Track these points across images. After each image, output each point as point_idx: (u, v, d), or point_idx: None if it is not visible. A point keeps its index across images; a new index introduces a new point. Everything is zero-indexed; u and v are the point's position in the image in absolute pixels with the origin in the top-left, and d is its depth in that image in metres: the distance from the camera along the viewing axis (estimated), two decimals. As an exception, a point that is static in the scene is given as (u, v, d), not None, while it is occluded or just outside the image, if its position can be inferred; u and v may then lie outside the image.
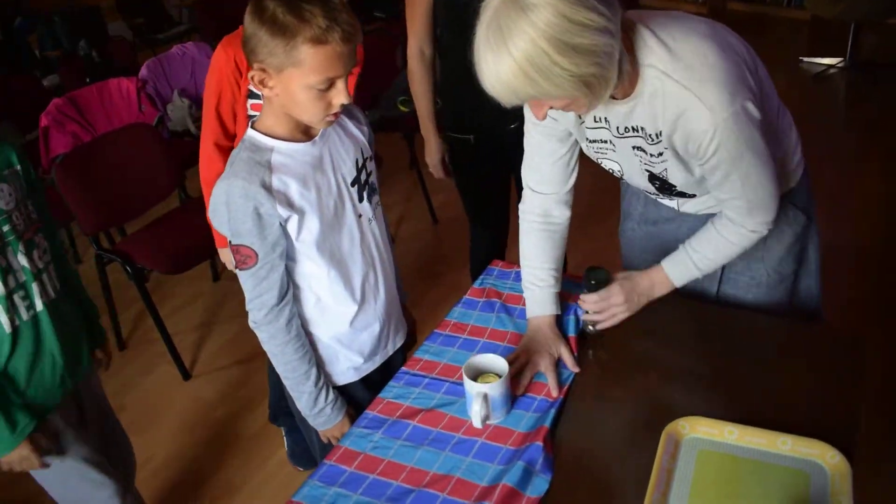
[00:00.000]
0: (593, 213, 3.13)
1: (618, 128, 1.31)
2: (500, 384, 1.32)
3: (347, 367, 1.49)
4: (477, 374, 1.37)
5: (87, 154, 2.84)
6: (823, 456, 1.17)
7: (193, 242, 2.82)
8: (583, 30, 1.01)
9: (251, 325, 1.35)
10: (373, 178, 1.44)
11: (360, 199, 1.39)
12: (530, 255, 1.54)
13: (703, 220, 1.46)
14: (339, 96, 1.21)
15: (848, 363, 1.38)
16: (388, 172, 3.24)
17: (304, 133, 1.30)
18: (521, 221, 1.57)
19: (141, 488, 2.33)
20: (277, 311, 1.32)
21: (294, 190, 1.27)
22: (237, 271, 1.31)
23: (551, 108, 1.16)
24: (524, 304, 1.57)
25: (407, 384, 1.48)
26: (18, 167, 1.46)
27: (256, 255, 1.25)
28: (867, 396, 1.33)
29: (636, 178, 1.42)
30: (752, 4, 6.52)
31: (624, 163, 1.40)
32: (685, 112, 1.18)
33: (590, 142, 1.41)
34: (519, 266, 1.60)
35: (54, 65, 5.23)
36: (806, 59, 5.21)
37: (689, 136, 1.21)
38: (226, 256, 2.05)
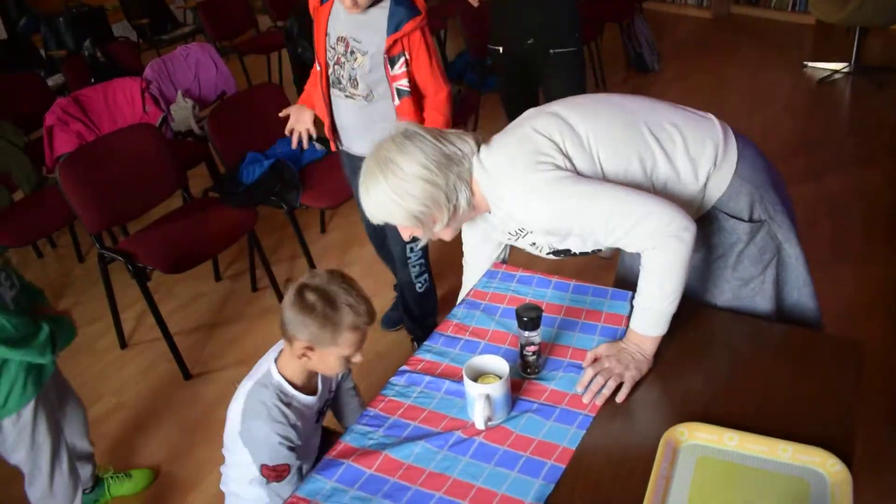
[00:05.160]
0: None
1: (509, 234, 1.58)
2: (501, 384, 1.32)
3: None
4: (477, 375, 1.37)
5: (90, 154, 2.84)
6: (824, 464, 1.16)
7: (195, 242, 2.82)
8: (415, 180, 1.39)
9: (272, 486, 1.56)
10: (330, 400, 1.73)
11: (316, 420, 1.67)
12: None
13: None
14: (357, 357, 1.50)
15: (846, 369, 1.37)
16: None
17: (310, 381, 1.58)
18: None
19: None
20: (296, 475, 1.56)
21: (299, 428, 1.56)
22: (273, 484, 1.53)
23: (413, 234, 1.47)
24: None
25: (409, 382, 1.48)
26: None
27: (290, 468, 1.52)
28: (869, 402, 1.32)
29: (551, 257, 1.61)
30: (757, 9, 6.50)
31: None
32: (506, 213, 1.46)
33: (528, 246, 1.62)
34: (522, 270, 1.76)
35: (59, 65, 5.23)
36: (811, 63, 5.19)
37: (521, 224, 1.49)
38: None
